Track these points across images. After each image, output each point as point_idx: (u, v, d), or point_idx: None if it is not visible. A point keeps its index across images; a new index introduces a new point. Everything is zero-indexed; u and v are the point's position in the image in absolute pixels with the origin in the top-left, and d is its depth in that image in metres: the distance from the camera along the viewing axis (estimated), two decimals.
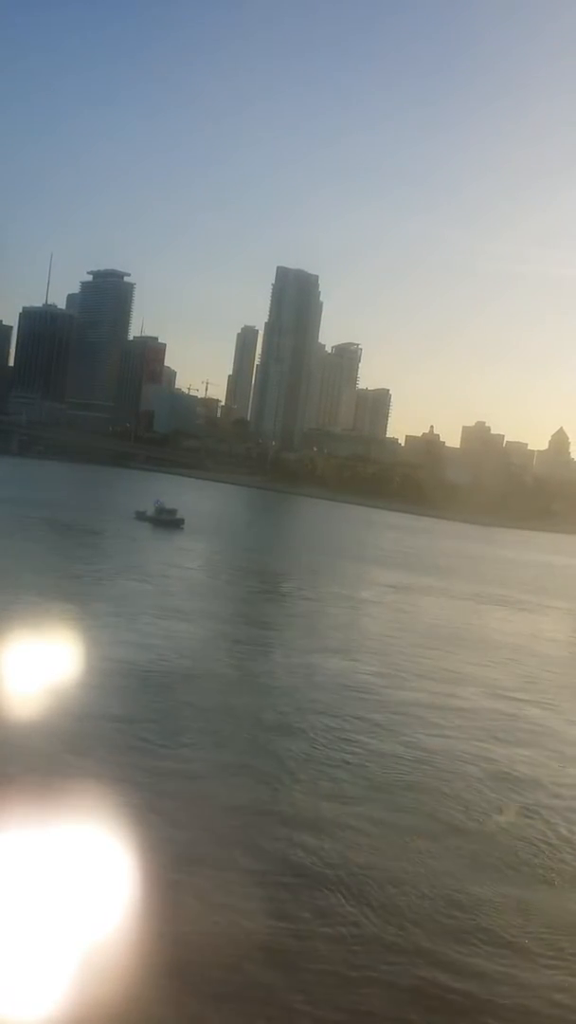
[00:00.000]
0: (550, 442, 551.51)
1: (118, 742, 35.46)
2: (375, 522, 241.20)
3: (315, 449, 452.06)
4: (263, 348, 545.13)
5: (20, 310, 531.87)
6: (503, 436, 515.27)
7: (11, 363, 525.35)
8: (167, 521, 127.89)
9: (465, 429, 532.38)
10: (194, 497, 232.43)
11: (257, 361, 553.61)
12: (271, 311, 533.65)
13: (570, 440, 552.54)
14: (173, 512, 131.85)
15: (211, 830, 28.48)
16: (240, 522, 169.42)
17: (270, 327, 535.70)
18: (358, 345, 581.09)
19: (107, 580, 76.54)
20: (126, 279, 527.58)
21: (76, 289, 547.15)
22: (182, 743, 36.46)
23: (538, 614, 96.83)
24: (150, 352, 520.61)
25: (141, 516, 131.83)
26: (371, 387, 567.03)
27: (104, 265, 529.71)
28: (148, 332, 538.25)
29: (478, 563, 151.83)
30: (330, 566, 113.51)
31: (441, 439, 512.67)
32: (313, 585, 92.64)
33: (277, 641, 61.22)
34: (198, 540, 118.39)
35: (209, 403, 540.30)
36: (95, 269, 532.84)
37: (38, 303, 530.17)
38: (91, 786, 30.21)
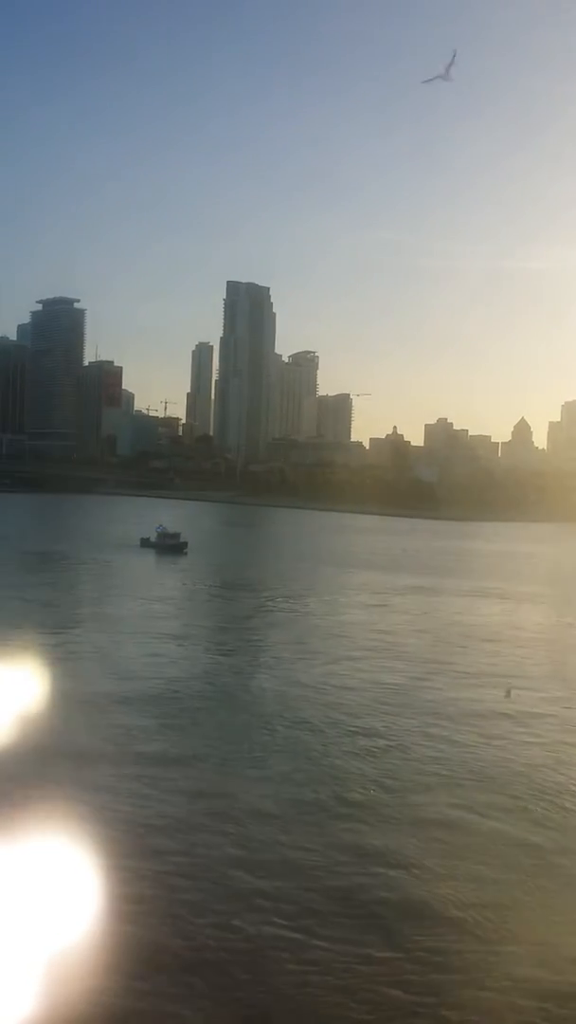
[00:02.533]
0: (513, 432, 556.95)
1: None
2: (352, 527, 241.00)
3: (282, 459, 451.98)
4: (220, 362, 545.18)
5: None
6: (466, 431, 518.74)
7: None
8: (171, 546, 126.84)
9: (428, 427, 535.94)
10: (169, 517, 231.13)
11: (215, 376, 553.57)
12: (225, 325, 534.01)
13: (532, 429, 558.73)
14: (176, 536, 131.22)
15: None
16: (226, 540, 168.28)
17: (225, 341, 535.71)
18: (315, 353, 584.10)
19: (166, 616, 74.99)
20: (76, 305, 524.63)
21: (27, 319, 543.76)
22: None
23: (546, 604, 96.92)
24: (107, 376, 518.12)
25: (145, 543, 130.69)
26: (331, 393, 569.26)
27: (53, 293, 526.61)
28: (103, 356, 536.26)
29: (467, 559, 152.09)
30: (328, 574, 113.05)
31: (405, 439, 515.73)
32: (322, 594, 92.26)
33: (321, 648, 60.26)
34: (201, 562, 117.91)
35: (170, 422, 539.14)
36: (44, 298, 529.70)
37: None
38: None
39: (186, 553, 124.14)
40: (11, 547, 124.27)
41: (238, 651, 61.42)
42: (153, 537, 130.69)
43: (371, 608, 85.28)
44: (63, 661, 53.45)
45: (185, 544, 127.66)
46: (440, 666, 57.81)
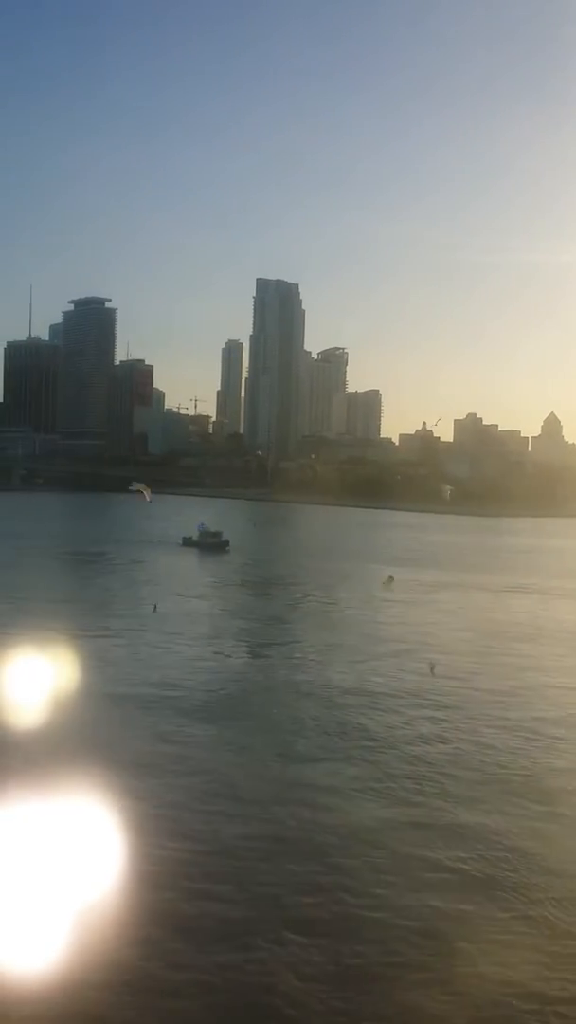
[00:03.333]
0: (543, 427, 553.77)
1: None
2: (383, 523, 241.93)
3: (312, 456, 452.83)
4: (250, 360, 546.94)
5: (4, 345, 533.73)
6: (496, 425, 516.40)
7: (0, 398, 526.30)
8: (213, 544, 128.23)
9: (457, 423, 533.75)
10: (203, 516, 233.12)
11: (245, 374, 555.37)
12: (254, 323, 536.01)
13: (562, 423, 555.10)
14: (218, 535, 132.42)
15: None
16: (261, 538, 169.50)
17: (255, 339, 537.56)
18: (344, 349, 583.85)
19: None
20: (107, 305, 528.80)
21: (59, 319, 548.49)
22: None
23: None
24: (138, 375, 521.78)
25: (187, 542, 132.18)
26: (360, 390, 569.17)
27: (84, 293, 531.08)
28: (134, 355, 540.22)
29: (504, 555, 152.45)
30: (369, 571, 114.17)
31: (435, 435, 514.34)
32: (362, 589, 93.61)
33: (395, 650, 61.41)
34: (243, 560, 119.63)
35: (200, 420, 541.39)
36: (76, 298, 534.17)
37: (21, 336, 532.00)
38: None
39: (228, 551, 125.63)
40: (55, 548, 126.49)
41: (294, 648, 62.72)
42: (195, 536, 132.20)
43: (414, 605, 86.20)
44: (140, 660, 55.12)
45: (227, 543, 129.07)
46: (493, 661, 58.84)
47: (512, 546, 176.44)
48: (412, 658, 58.45)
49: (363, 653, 60.43)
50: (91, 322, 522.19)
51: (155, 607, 69.69)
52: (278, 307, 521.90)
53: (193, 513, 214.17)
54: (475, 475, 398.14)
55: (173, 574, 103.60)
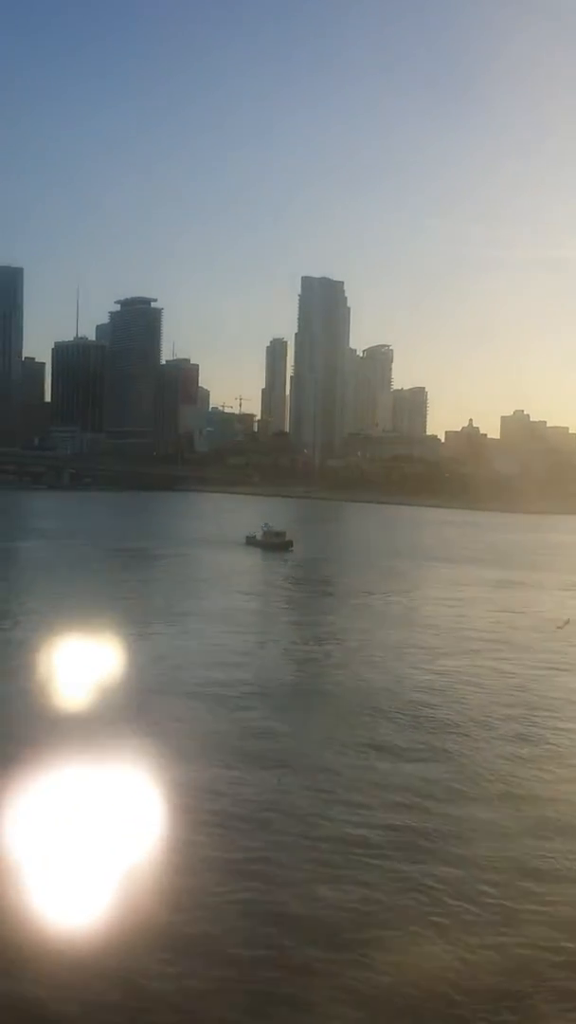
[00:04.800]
0: None
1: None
2: (435, 521, 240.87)
3: (359, 454, 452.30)
4: (295, 358, 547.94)
5: (52, 345, 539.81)
6: (544, 422, 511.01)
7: (48, 399, 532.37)
8: (277, 544, 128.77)
9: (504, 419, 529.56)
10: (255, 513, 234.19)
11: (290, 372, 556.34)
12: (299, 321, 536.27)
13: None
14: (282, 535, 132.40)
15: None
16: (317, 536, 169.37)
17: (300, 337, 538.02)
18: (389, 346, 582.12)
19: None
20: (153, 304, 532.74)
21: (105, 319, 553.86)
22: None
23: None
24: (184, 374, 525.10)
25: (251, 541, 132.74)
26: (406, 387, 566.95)
27: (130, 293, 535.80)
28: (179, 355, 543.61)
29: (563, 553, 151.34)
30: (424, 569, 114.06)
31: (481, 431, 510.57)
32: (435, 588, 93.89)
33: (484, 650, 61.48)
34: (308, 559, 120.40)
35: (245, 419, 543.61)
36: (122, 298, 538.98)
37: (69, 337, 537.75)
38: None
39: (292, 551, 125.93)
40: (117, 547, 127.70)
41: (364, 644, 62.91)
42: (259, 535, 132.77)
43: (480, 601, 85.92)
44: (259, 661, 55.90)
45: (291, 543, 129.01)
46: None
47: (564, 544, 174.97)
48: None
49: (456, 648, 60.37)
50: (137, 322, 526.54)
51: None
52: (323, 305, 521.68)
53: (244, 512, 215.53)
54: (524, 472, 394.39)
55: (245, 573, 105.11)
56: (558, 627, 61.12)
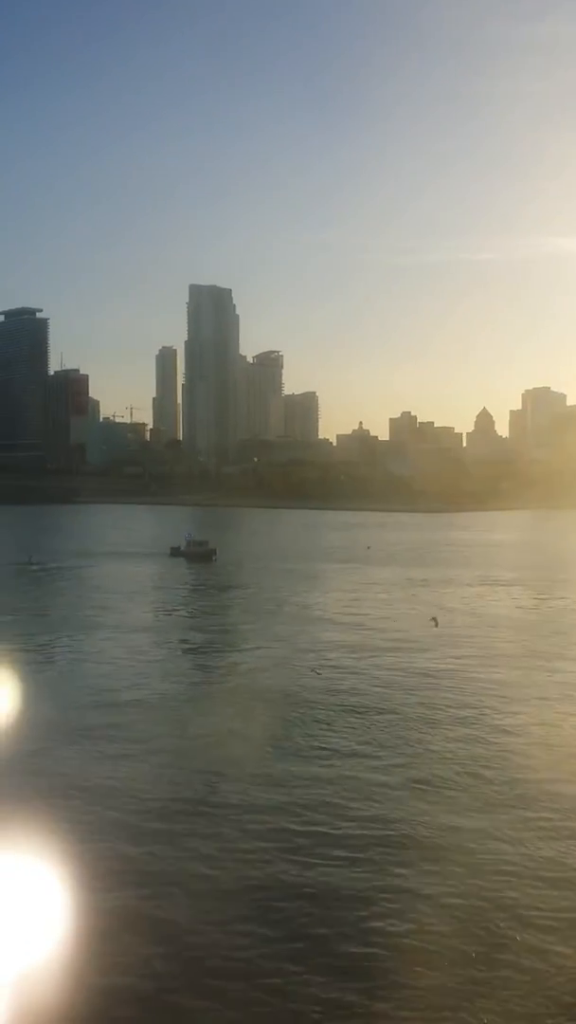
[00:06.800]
0: (475, 423, 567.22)
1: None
2: (334, 524, 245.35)
3: (254, 459, 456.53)
4: (186, 366, 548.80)
5: None
6: (432, 423, 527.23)
7: None
8: (201, 553, 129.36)
9: (392, 421, 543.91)
10: (155, 523, 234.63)
11: (181, 380, 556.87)
12: (189, 329, 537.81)
13: (494, 419, 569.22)
14: (204, 543, 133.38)
15: None
16: (234, 542, 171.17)
17: (190, 345, 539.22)
18: (279, 352, 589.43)
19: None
20: (39, 315, 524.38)
21: None
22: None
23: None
24: (73, 385, 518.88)
25: (176, 552, 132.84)
26: (297, 392, 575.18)
27: (14, 303, 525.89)
28: (67, 365, 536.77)
29: (463, 550, 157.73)
30: (342, 571, 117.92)
31: (371, 434, 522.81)
32: (357, 589, 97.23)
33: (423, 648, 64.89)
34: (232, 568, 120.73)
35: (137, 428, 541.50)
36: (6, 309, 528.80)
37: None
38: None
39: (215, 560, 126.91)
40: (23, 561, 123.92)
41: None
42: (183, 546, 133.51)
43: (407, 601, 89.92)
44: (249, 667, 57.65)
45: (214, 551, 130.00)
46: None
47: (462, 541, 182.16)
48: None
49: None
50: (23, 332, 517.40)
51: None
52: (212, 312, 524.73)
53: (145, 522, 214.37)
54: (416, 472, 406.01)
55: (179, 584, 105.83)
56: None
